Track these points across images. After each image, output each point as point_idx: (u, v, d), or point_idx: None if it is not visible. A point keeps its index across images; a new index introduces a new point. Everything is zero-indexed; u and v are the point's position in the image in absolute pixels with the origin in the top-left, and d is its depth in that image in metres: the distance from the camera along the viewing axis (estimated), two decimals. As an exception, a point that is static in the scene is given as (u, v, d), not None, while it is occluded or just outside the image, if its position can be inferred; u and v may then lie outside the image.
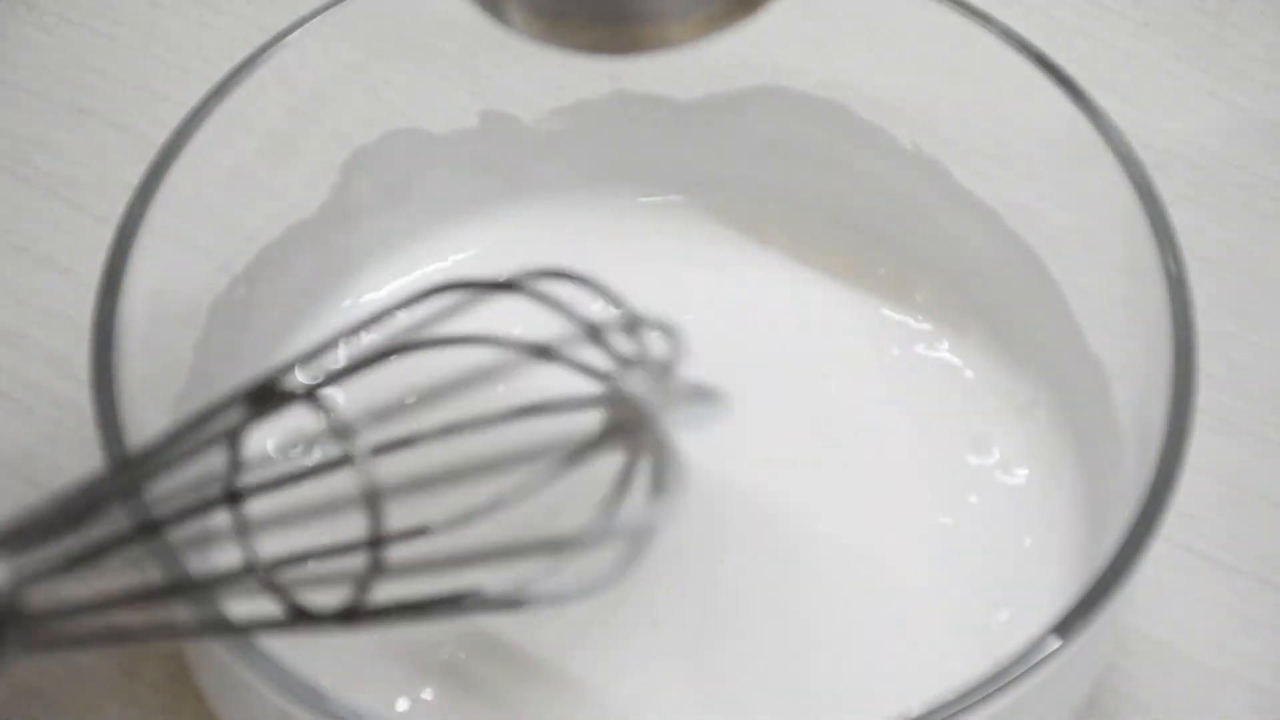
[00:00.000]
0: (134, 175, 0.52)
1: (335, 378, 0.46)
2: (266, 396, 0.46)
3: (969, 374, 0.58)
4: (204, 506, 0.45)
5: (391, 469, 0.45)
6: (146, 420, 0.50)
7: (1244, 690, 0.55)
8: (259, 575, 0.45)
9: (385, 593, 0.45)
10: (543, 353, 0.46)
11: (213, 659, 0.49)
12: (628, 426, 0.47)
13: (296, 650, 0.47)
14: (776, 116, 0.59)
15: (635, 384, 0.47)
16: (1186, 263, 0.51)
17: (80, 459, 0.57)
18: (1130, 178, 0.52)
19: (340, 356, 0.48)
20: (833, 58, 0.58)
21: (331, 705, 0.45)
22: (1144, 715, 0.54)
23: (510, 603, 0.45)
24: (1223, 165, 0.63)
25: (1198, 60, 0.66)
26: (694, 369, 0.56)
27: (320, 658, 0.49)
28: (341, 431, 0.44)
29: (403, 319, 0.47)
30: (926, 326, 0.59)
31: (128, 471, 0.45)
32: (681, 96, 0.59)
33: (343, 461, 0.45)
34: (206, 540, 0.53)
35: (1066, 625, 0.46)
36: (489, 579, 0.45)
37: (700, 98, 0.59)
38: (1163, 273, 0.51)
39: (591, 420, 0.47)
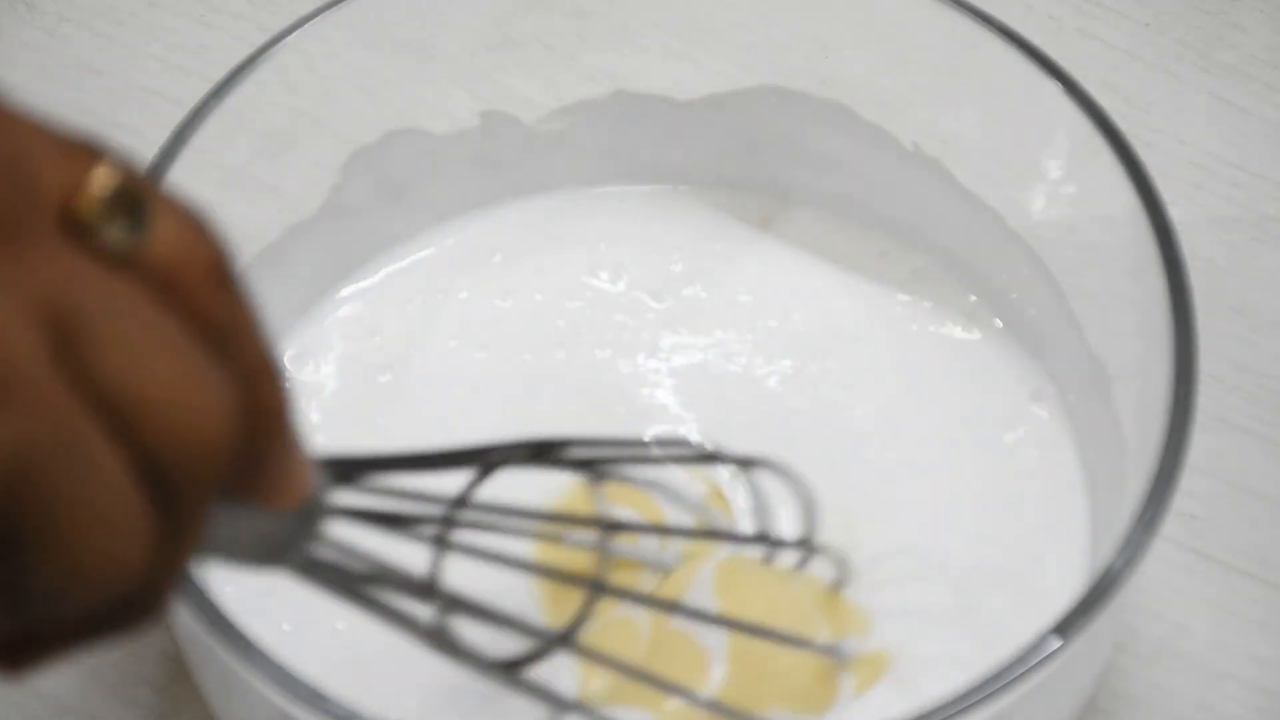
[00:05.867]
0: (134, 175, 0.52)
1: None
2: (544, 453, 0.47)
3: (966, 372, 0.58)
4: None
5: None
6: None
7: (1244, 690, 0.55)
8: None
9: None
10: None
11: (214, 660, 0.49)
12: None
13: (295, 652, 0.47)
14: (777, 116, 0.59)
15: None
16: (1186, 263, 0.51)
17: (80, 459, 0.57)
18: (1130, 178, 0.52)
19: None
20: (833, 58, 0.58)
21: (331, 705, 0.45)
22: (1144, 715, 0.54)
23: None
24: (1223, 165, 0.63)
25: (1198, 60, 0.66)
26: (705, 357, 0.56)
27: (319, 660, 0.49)
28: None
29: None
30: (928, 319, 0.59)
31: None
32: (681, 96, 0.59)
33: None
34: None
35: (1066, 625, 0.46)
36: None
37: (700, 98, 0.59)
38: (1163, 273, 0.51)
39: None
